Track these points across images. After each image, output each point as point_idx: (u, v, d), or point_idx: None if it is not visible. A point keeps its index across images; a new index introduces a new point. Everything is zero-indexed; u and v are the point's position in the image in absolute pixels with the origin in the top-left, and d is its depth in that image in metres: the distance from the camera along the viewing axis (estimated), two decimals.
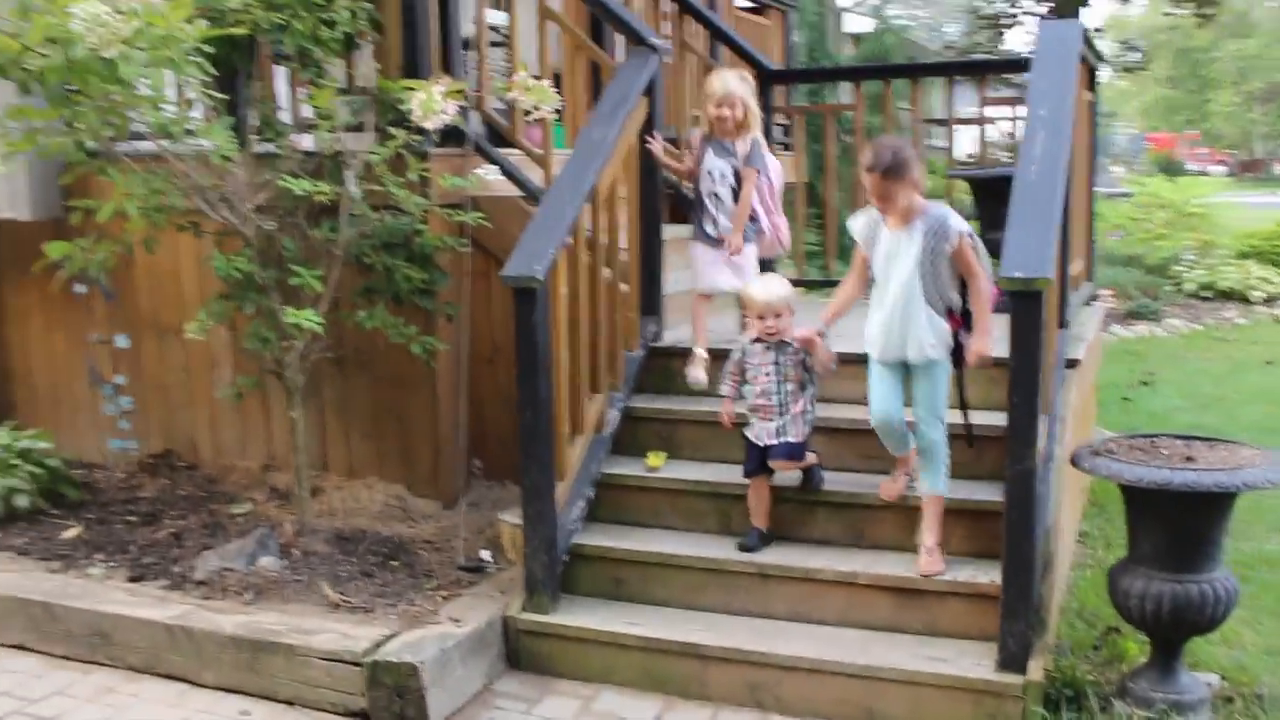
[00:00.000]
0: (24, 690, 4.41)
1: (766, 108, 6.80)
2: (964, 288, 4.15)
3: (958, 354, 4.18)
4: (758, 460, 4.46)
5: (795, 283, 6.69)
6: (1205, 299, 12.83)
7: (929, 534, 4.20)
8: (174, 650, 4.44)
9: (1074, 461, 3.97)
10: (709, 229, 5.22)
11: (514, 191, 5.52)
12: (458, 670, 4.19)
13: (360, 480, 5.68)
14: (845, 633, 4.21)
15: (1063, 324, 4.75)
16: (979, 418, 4.37)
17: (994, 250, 3.92)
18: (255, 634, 4.32)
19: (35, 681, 4.48)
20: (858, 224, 4.28)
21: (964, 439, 4.35)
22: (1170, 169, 27.98)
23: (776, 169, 5.41)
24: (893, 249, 4.12)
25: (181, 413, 6.09)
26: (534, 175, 5.60)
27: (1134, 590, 3.75)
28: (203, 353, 5.87)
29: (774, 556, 4.40)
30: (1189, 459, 3.79)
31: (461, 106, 4.78)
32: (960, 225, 4.05)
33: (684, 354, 5.17)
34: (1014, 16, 25.51)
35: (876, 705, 3.97)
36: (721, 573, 4.44)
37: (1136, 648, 4.21)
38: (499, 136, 5.75)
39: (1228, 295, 12.86)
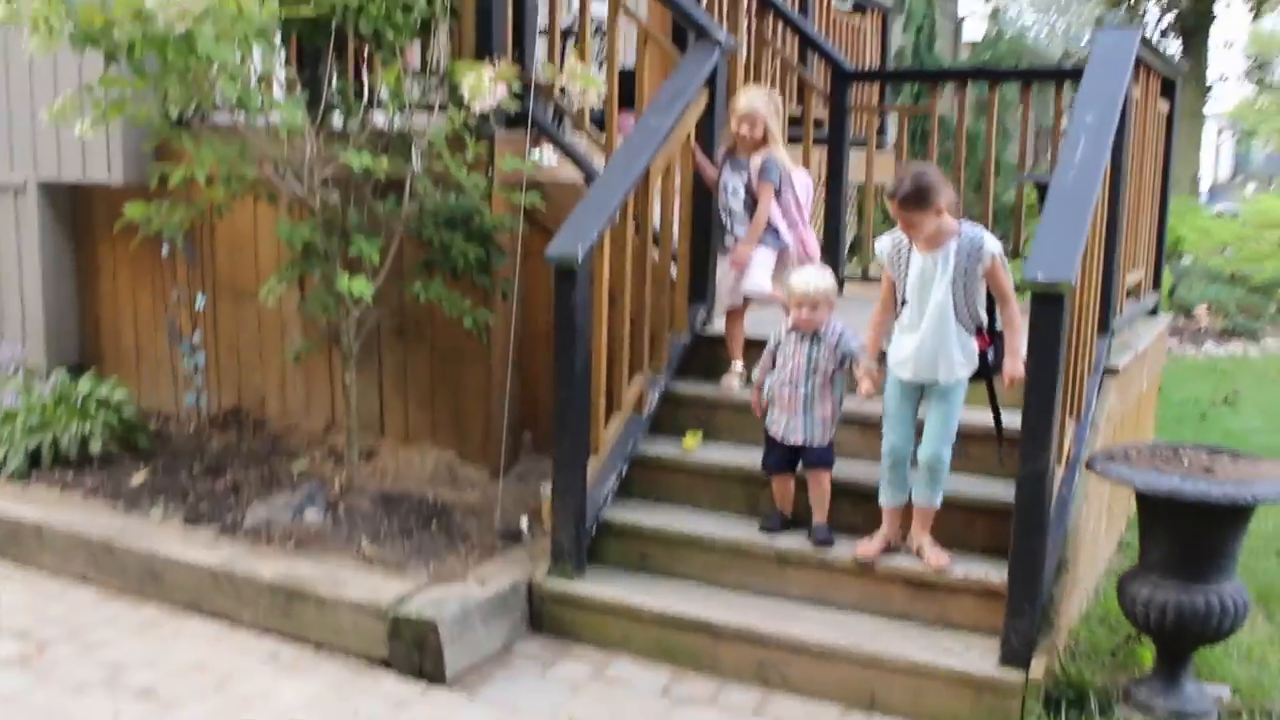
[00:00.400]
0: (78, 618, 4.69)
1: (843, 107, 6.83)
2: (992, 305, 4.17)
3: (982, 372, 4.20)
4: (780, 458, 4.51)
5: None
6: None
7: (920, 534, 4.25)
8: (217, 592, 4.68)
9: (1089, 465, 3.98)
10: (727, 241, 5.28)
11: (579, 176, 5.66)
12: (478, 629, 4.35)
13: (414, 446, 5.87)
14: (858, 619, 4.28)
15: (1104, 330, 4.73)
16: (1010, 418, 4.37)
17: None
18: (291, 581, 4.53)
19: (90, 611, 4.76)
20: (883, 246, 4.28)
21: (995, 441, 4.36)
22: None
23: (804, 182, 5.39)
24: (927, 272, 4.11)
25: (252, 372, 6.36)
26: (602, 161, 5.73)
27: (1140, 596, 3.75)
28: (273, 316, 6.11)
29: (794, 542, 4.47)
30: (1208, 470, 3.78)
31: (518, 92, 4.92)
32: (993, 246, 4.05)
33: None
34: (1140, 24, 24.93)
35: (879, 691, 4.03)
36: (742, 554, 4.53)
37: (1153, 656, 4.19)
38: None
39: None
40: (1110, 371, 4.75)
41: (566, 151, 5.62)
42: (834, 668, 4.10)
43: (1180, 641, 3.76)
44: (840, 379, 4.50)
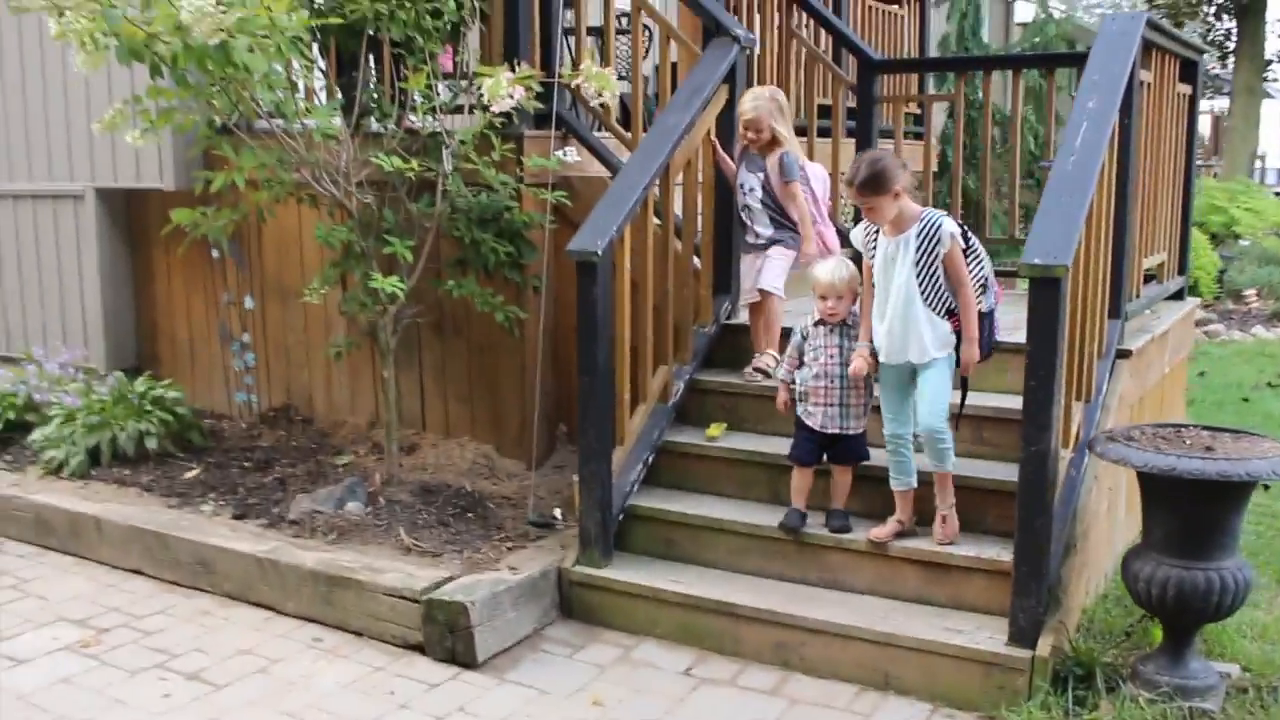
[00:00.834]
0: (134, 608, 4.94)
1: (870, 98, 6.92)
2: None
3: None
4: (807, 449, 4.60)
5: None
6: None
7: (941, 503, 4.37)
8: (263, 581, 4.90)
9: (1089, 446, 4.07)
10: (749, 239, 5.37)
11: (606, 173, 5.81)
12: (508, 613, 4.53)
13: (454, 439, 6.07)
14: (872, 601, 4.39)
15: (1115, 314, 4.80)
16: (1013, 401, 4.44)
17: None
18: (332, 570, 4.74)
19: (146, 601, 5.01)
20: (857, 234, 4.43)
21: (956, 419, 4.44)
22: None
23: (820, 176, 5.43)
24: (890, 255, 4.24)
25: (299, 370, 6.60)
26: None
27: (1143, 574, 3.84)
28: (319, 315, 6.34)
29: (812, 527, 4.59)
30: (1208, 449, 3.85)
31: (539, 93, 5.09)
32: (951, 228, 4.15)
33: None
34: (1193, 6, 24.60)
35: (893, 670, 4.14)
36: (763, 539, 4.66)
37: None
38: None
39: None
40: (1123, 354, 4.82)
41: (593, 149, 5.78)
42: (849, 648, 4.22)
43: (1182, 618, 3.84)
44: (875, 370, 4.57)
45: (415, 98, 5.29)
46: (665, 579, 4.66)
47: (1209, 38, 25.29)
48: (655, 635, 4.60)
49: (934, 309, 4.21)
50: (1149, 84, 5.03)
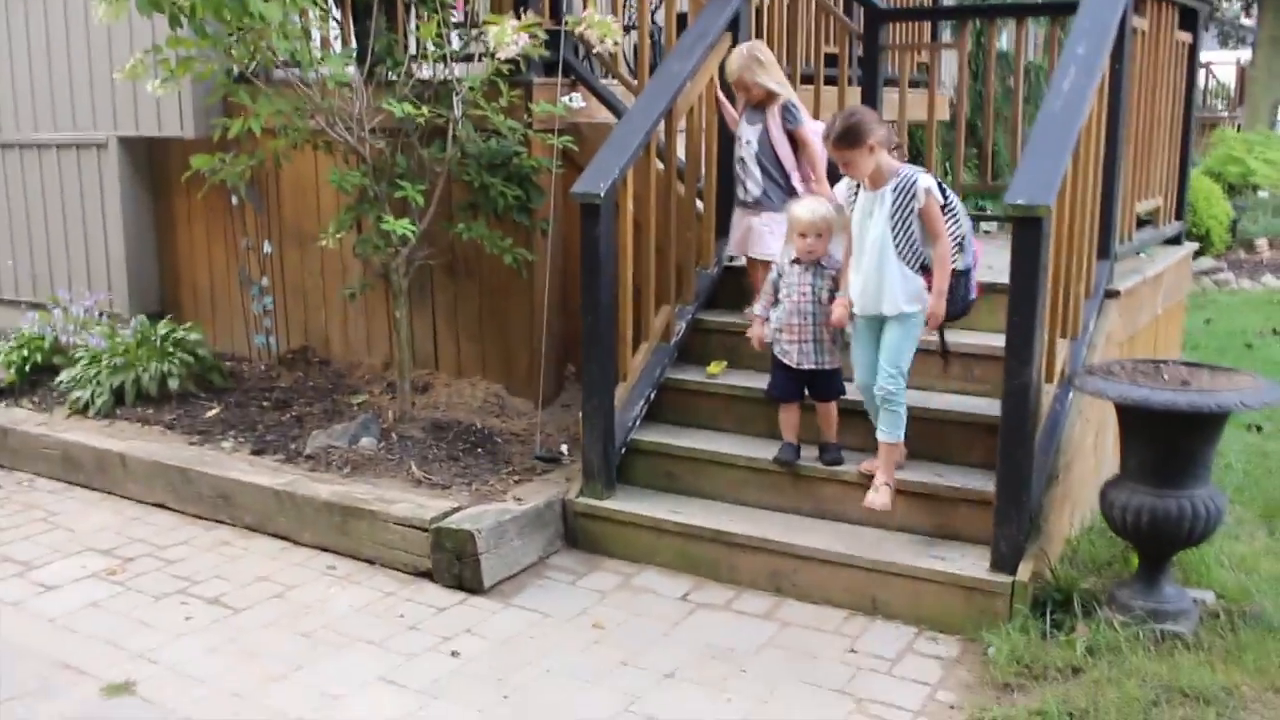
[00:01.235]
0: (158, 539, 5.16)
1: (876, 45, 7.01)
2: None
3: None
4: (786, 386, 4.75)
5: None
6: None
7: (881, 473, 4.45)
8: (280, 513, 5.11)
9: (1068, 380, 4.21)
10: (740, 194, 5.38)
11: (613, 119, 5.94)
12: (514, 541, 4.72)
13: (466, 379, 6.25)
14: (863, 530, 4.56)
15: (1104, 255, 4.92)
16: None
17: None
18: (345, 501, 4.94)
19: (169, 532, 5.23)
20: (840, 189, 4.51)
21: (939, 355, 4.62)
22: None
23: (819, 131, 5.09)
24: (866, 208, 4.34)
25: (316, 313, 6.79)
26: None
27: (1118, 502, 3.99)
28: (335, 260, 6.52)
29: (807, 460, 4.76)
30: (1184, 383, 3.99)
31: (544, 41, 5.22)
32: (928, 183, 4.22)
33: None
34: None
35: (880, 595, 4.32)
36: (760, 472, 4.83)
37: None
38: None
39: None
40: (1111, 294, 4.95)
41: (600, 96, 5.91)
42: (840, 575, 4.39)
43: (1155, 544, 3.99)
44: None
45: (428, 46, 5.44)
46: (665, 510, 4.84)
47: None
48: (655, 563, 4.79)
49: (907, 262, 4.29)
50: (1144, 31, 5.12)
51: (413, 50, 5.79)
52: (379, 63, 5.68)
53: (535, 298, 5.91)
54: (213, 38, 5.22)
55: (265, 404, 6.22)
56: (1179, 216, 6.25)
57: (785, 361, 4.74)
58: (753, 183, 5.30)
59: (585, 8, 6.01)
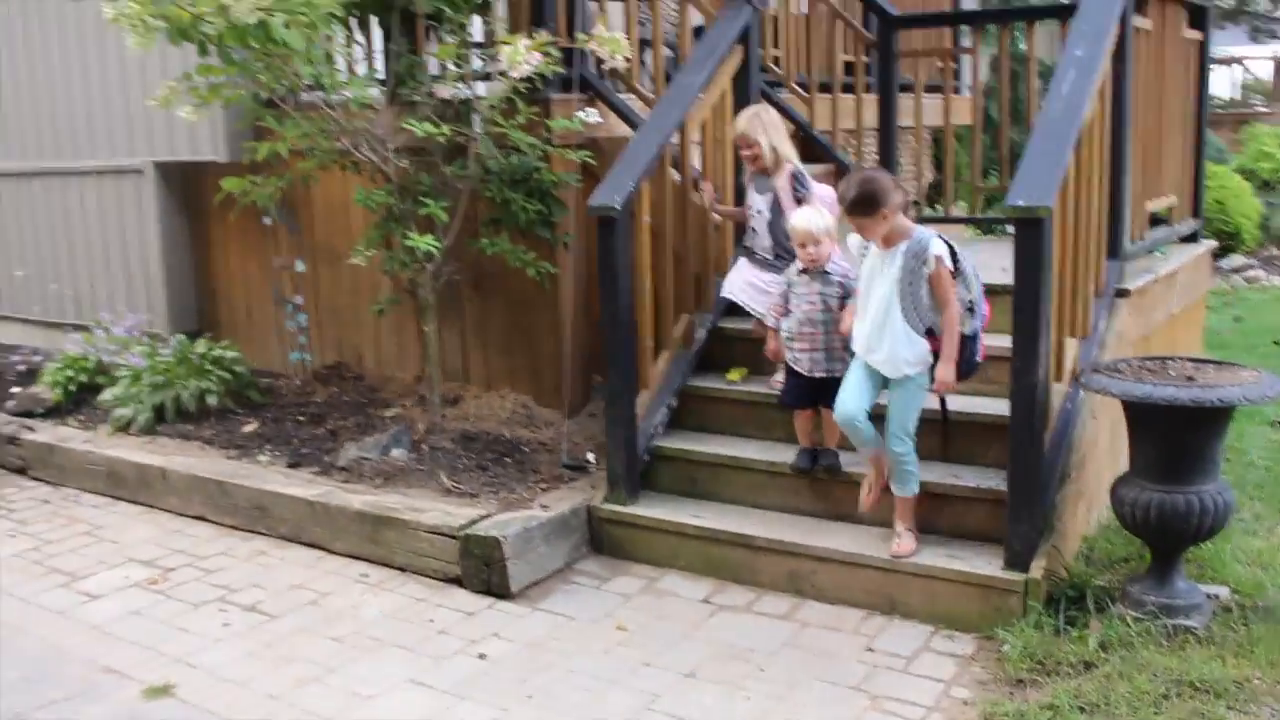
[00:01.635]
0: (197, 550, 5.33)
1: (889, 53, 7.10)
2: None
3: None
4: (798, 393, 4.82)
5: (970, 221, 7.02)
6: None
7: (899, 522, 4.50)
8: (314, 523, 5.27)
9: (1075, 378, 4.28)
10: (751, 244, 5.36)
11: (630, 133, 6.06)
12: (540, 547, 4.84)
13: (495, 391, 6.38)
14: (880, 531, 4.63)
15: (1114, 254, 4.99)
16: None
17: None
18: (377, 510, 5.08)
19: (208, 543, 5.40)
20: (852, 242, 4.50)
21: (941, 421, 4.62)
22: None
23: (828, 199, 5.07)
24: (875, 267, 4.32)
25: (349, 330, 6.95)
26: None
27: (1127, 498, 4.06)
28: (367, 277, 6.67)
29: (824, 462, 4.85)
30: (1189, 379, 4.05)
31: (557, 58, 5.35)
32: (939, 249, 4.18)
33: None
34: None
35: (898, 595, 4.41)
36: (780, 475, 4.93)
37: None
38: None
39: None
40: (1122, 293, 5.01)
41: (617, 110, 6.03)
42: (858, 575, 4.49)
43: (1165, 540, 4.05)
44: None
45: (450, 66, 5.59)
46: (687, 514, 4.95)
47: None
48: (678, 567, 4.90)
49: (912, 325, 4.26)
50: (1148, 31, 5.18)
51: (435, 70, 5.95)
52: (401, 84, 5.84)
53: (560, 310, 6.04)
54: (240, 64, 5.39)
55: (301, 418, 6.39)
56: (1195, 214, 6.29)
57: (797, 369, 4.83)
58: (763, 250, 5.29)
59: (596, 25, 6.14)
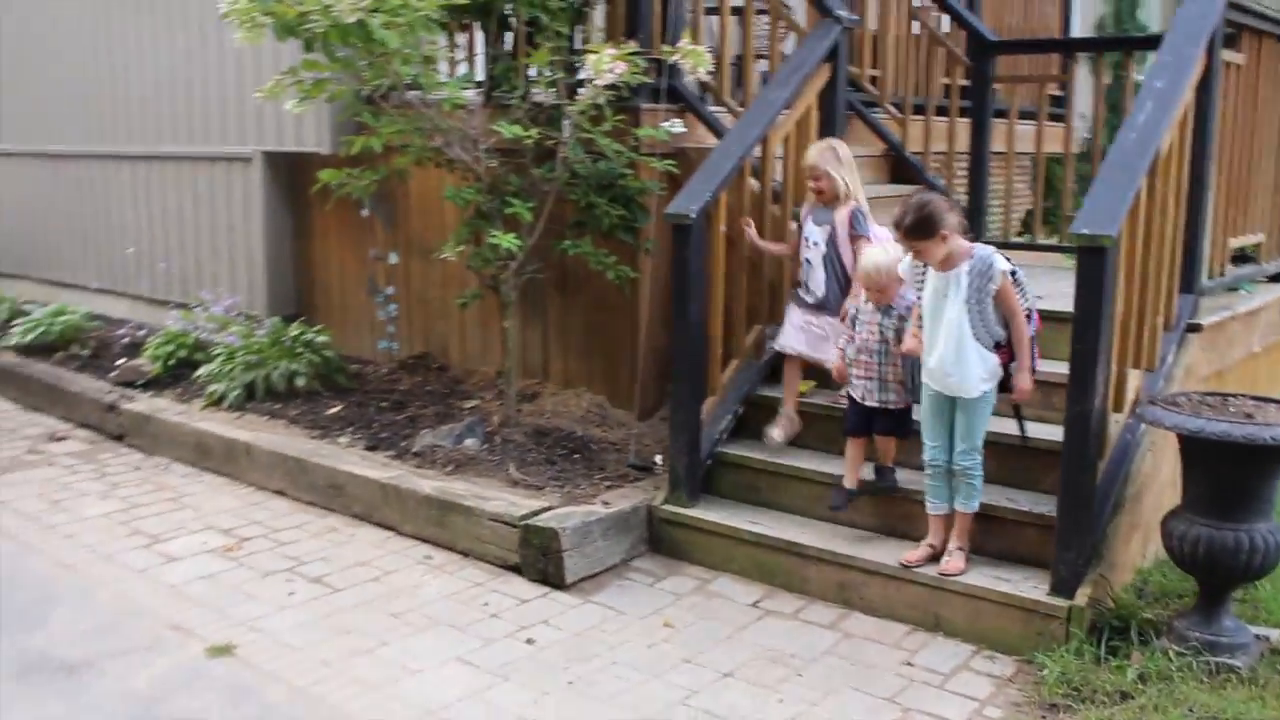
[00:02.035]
0: (273, 522, 5.57)
1: (985, 78, 7.10)
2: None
3: (1005, 383, 4.43)
4: (857, 420, 4.88)
5: (1058, 249, 7.01)
6: None
7: (956, 540, 4.53)
8: (385, 504, 5.46)
9: (1133, 411, 4.28)
10: (802, 293, 5.33)
11: (717, 143, 6.17)
12: (597, 542, 4.97)
13: (572, 389, 6.53)
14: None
15: (1188, 288, 4.96)
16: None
17: None
18: (445, 496, 5.26)
19: (283, 517, 5.64)
20: (906, 267, 4.55)
21: (1019, 440, 4.64)
22: None
23: (885, 237, 5.09)
24: (939, 291, 4.35)
25: (437, 322, 7.16)
26: None
27: (1176, 532, 4.05)
28: (456, 272, 6.86)
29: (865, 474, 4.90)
30: (1249, 416, 4.03)
31: (644, 68, 5.47)
32: (1004, 265, 4.25)
33: None
34: None
35: (943, 612, 4.44)
36: (836, 487, 4.98)
37: None
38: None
39: None
40: (1193, 328, 4.97)
41: (706, 121, 6.14)
42: (905, 590, 4.53)
43: (1213, 576, 4.03)
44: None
45: (546, 71, 5.75)
46: (744, 520, 5.04)
47: None
48: (731, 571, 4.99)
49: (982, 342, 4.32)
50: (1239, 65, 5.14)
51: (531, 74, 6.11)
52: (496, 87, 6.03)
53: (639, 314, 6.17)
54: (343, 61, 5.61)
55: (383, 405, 6.61)
56: None
57: (854, 395, 4.89)
58: (815, 284, 5.25)
59: (720, 37, 6.26)
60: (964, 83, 7.35)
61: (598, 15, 6.19)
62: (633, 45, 5.31)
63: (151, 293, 8.79)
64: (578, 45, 6.30)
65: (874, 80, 7.64)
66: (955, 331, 4.31)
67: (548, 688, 4.01)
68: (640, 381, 6.06)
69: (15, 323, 8.45)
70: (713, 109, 6.31)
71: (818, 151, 5.21)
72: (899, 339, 4.71)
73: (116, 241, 9.14)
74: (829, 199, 5.19)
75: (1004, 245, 7.01)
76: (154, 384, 7.20)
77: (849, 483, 4.91)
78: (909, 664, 4.24)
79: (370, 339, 7.45)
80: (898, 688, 4.06)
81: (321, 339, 6.96)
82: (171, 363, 7.25)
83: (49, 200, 9.94)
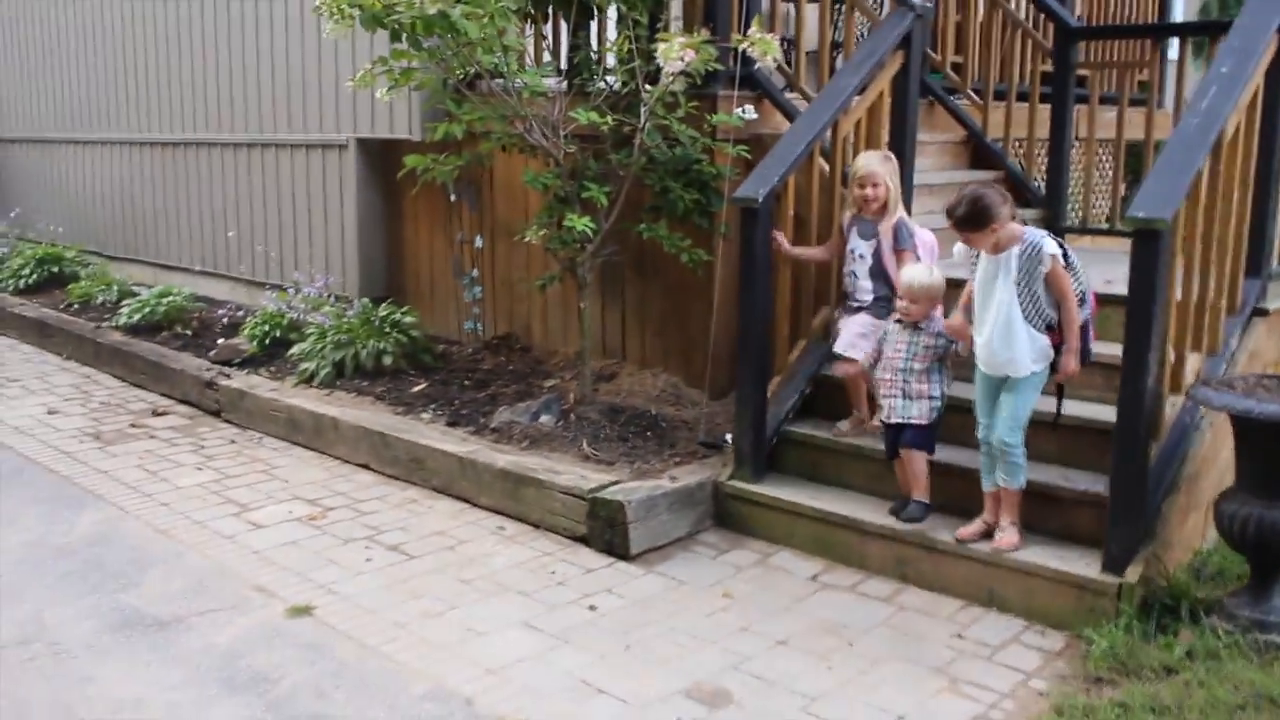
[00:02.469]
0: (356, 494, 5.82)
1: (1067, 64, 7.09)
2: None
3: (1056, 364, 4.47)
4: (888, 440, 4.94)
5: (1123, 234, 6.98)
6: None
7: (1005, 516, 4.59)
8: (463, 477, 5.69)
9: (1187, 393, 4.31)
10: (850, 303, 5.40)
11: None
12: (663, 515, 5.13)
13: (648, 370, 6.70)
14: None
15: (1255, 272, 4.95)
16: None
17: None
18: (519, 470, 5.46)
19: (366, 489, 5.89)
20: (958, 251, 4.61)
21: (1050, 424, 4.67)
22: None
23: (928, 244, 5.27)
24: (990, 272, 4.43)
25: (520, 304, 7.38)
26: None
27: (1228, 512, 4.08)
28: (539, 255, 7.06)
29: (941, 455, 4.97)
30: None
31: (717, 55, 5.60)
32: (1053, 249, 4.30)
33: None
34: None
35: (997, 588, 4.52)
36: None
37: None
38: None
39: None
40: (1259, 312, 4.96)
41: (781, 107, 6.25)
42: (959, 566, 4.62)
43: (1263, 555, 4.06)
44: (941, 368, 4.84)
45: (624, 59, 5.92)
46: (806, 496, 5.17)
47: None
48: (793, 545, 5.12)
49: (1033, 324, 4.38)
50: None
51: (610, 63, 6.28)
52: (576, 74, 6.20)
53: (714, 297, 6.30)
54: (429, 51, 5.83)
55: (466, 383, 6.85)
56: None
57: (883, 419, 4.95)
58: (863, 292, 5.33)
59: (798, 26, 6.37)
60: (1038, 68, 7.34)
61: (675, 3, 6.33)
62: (706, 33, 5.45)
63: (250, 275, 9.17)
64: (657, 33, 6.46)
65: (956, 67, 7.69)
66: (1004, 313, 4.39)
67: (606, 651, 4.18)
68: (712, 361, 6.20)
69: (124, 304, 8.89)
70: (789, 96, 6.42)
71: (877, 159, 5.26)
72: (926, 356, 4.80)
73: (219, 226, 9.55)
74: (878, 209, 5.23)
75: (1083, 230, 7.08)
76: (250, 362, 7.54)
77: (905, 492, 4.95)
78: (960, 636, 4.33)
79: (456, 320, 7.70)
80: (947, 659, 4.16)
81: (409, 319, 7.23)
82: (267, 342, 7.58)
83: (156, 186, 10.42)
